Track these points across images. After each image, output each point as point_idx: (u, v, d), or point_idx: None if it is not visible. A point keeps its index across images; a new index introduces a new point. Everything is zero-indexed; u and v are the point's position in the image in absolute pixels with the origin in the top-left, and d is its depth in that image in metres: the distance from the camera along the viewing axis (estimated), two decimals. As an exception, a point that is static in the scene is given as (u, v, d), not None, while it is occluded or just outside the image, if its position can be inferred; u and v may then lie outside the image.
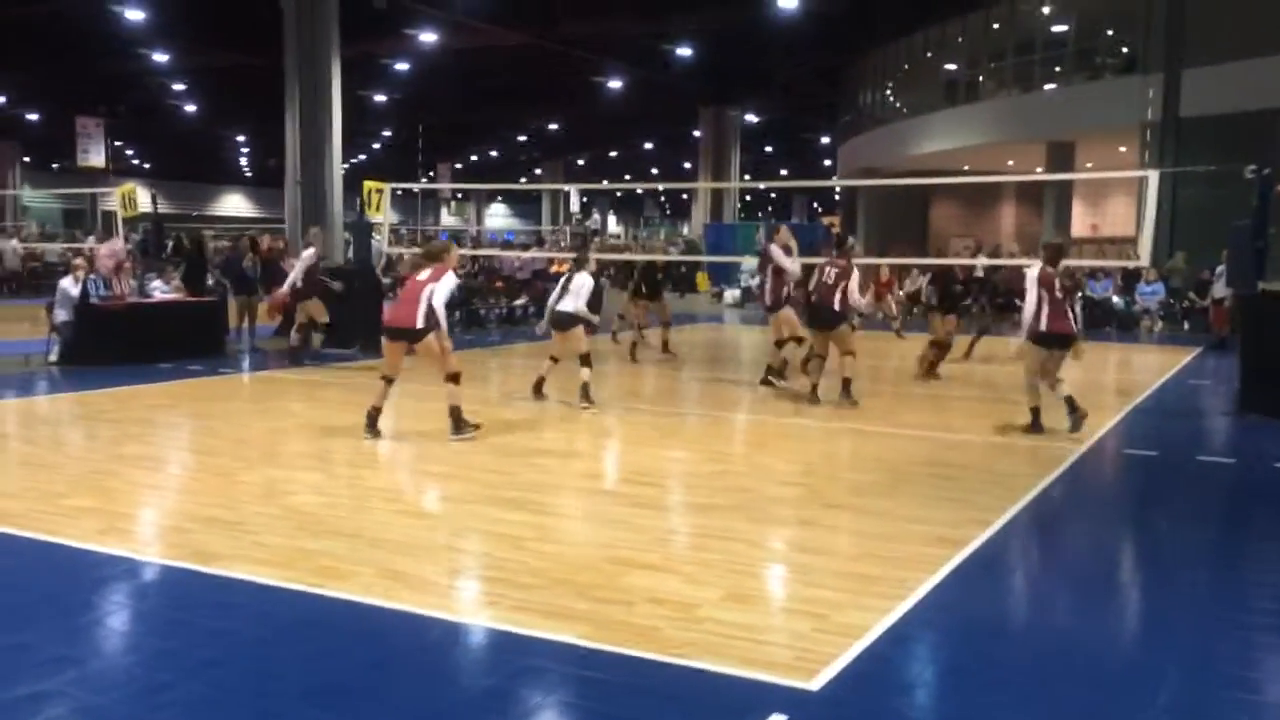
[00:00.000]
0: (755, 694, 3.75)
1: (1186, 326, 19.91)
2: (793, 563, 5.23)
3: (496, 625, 4.37)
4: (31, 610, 4.53)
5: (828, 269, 10.27)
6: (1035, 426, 8.85)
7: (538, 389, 10.36)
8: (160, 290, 13.56)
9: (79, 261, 13.23)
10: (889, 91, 33.21)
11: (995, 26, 27.20)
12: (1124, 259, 21.40)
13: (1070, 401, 8.76)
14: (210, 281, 15.40)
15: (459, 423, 8.23)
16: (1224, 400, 11.27)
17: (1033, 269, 8.94)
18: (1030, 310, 8.72)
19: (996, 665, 4.13)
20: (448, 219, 61.66)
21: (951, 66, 29.21)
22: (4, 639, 4.16)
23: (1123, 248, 25.82)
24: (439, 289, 8.04)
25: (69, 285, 12.42)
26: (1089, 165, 27.36)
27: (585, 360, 9.93)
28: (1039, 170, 27.81)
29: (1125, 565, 5.77)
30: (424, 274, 8.19)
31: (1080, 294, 9.92)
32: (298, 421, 9.18)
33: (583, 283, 9.88)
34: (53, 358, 12.33)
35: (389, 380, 8.32)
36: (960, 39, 28.47)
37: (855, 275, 10.24)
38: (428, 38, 26.05)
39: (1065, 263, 9.07)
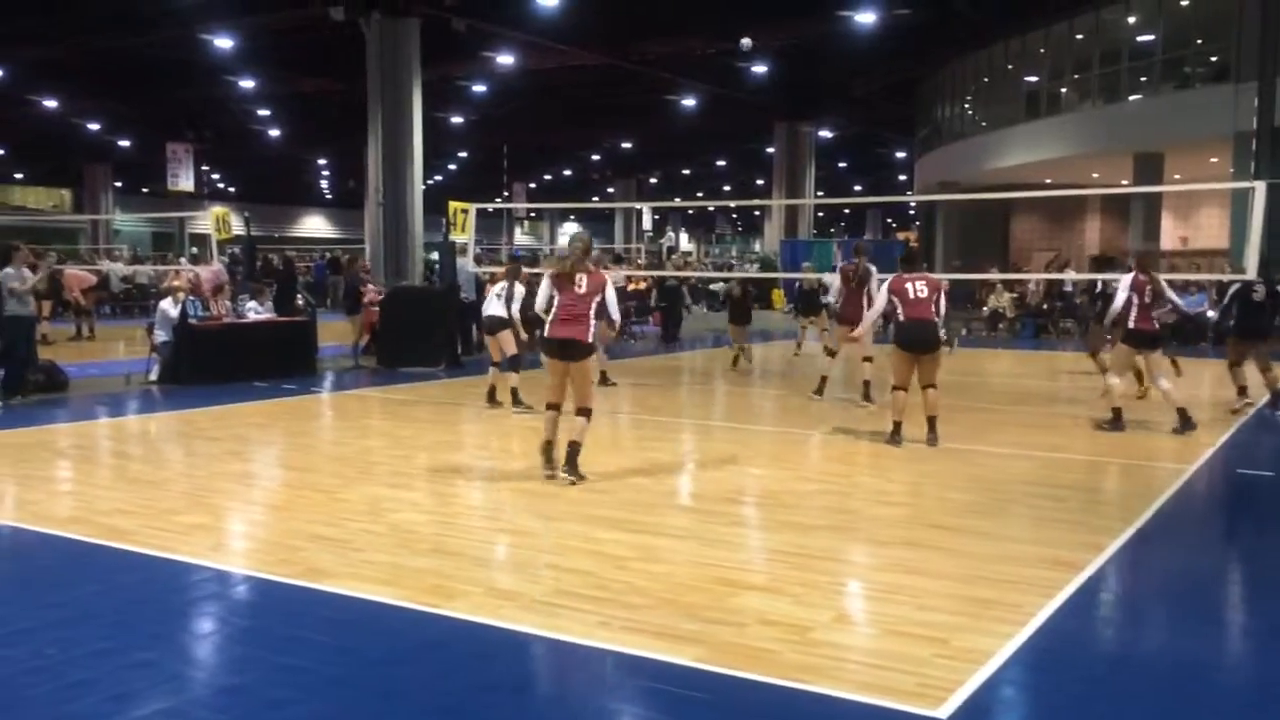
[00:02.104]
0: (883, 721, 3.67)
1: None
2: (904, 585, 5.12)
3: (609, 646, 4.34)
4: (153, 627, 4.62)
5: (914, 284, 9.09)
6: (1115, 424, 9.69)
7: (491, 397, 10.93)
8: (254, 311, 13.88)
9: (178, 283, 13.59)
10: (968, 104, 32.75)
11: (1079, 37, 26.67)
12: (1216, 272, 20.78)
13: (1182, 413, 9.50)
14: (299, 301, 15.72)
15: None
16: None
17: (1128, 275, 9.69)
18: (1118, 310, 9.57)
19: (1127, 696, 3.98)
20: (521, 238, 62.26)
21: (1033, 78, 28.69)
22: (129, 656, 4.24)
23: (1214, 260, 25.08)
24: (610, 300, 7.47)
25: (168, 306, 12.77)
26: (1177, 177, 26.65)
27: (512, 364, 10.57)
28: (1125, 182, 27.17)
29: (1249, 590, 5.55)
30: (582, 284, 7.39)
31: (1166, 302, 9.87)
32: (391, 439, 9.29)
33: (517, 292, 10.41)
34: (153, 377, 12.67)
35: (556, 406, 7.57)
36: (1042, 50, 27.96)
37: (943, 292, 9.53)
38: (504, 59, 26.38)
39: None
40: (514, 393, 10.61)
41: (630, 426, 10.44)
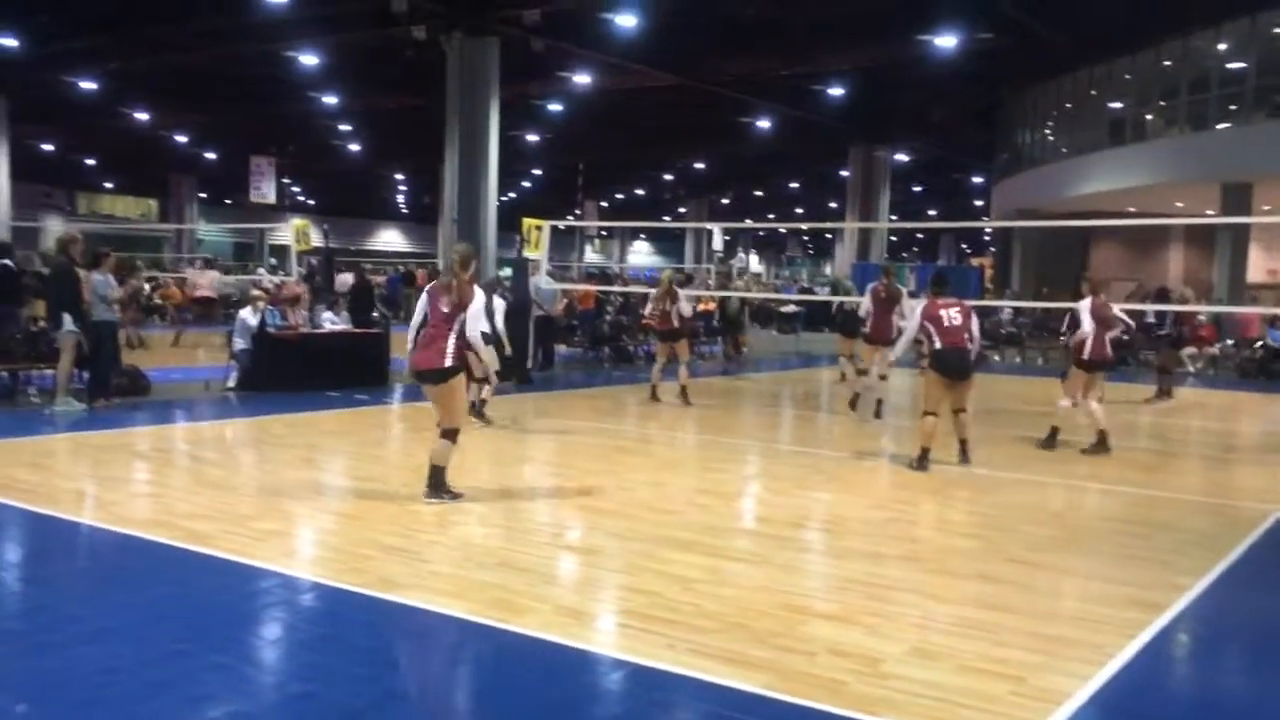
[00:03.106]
0: (957, 759, 3.57)
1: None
2: (979, 620, 5.00)
3: (676, 669, 4.29)
4: (228, 630, 4.69)
5: (948, 311, 9.03)
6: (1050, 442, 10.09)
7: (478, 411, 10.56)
8: (330, 321, 14.12)
9: (258, 293, 13.89)
10: (1049, 130, 32.22)
11: (1166, 63, 26.10)
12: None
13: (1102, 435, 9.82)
14: (375, 314, 15.97)
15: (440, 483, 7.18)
16: None
17: (1086, 300, 10.00)
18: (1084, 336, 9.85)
19: (1217, 744, 3.83)
20: (591, 256, 62.66)
21: (1117, 105, 28.14)
22: (205, 659, 4.30)
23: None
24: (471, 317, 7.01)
25: (248, 315, 13.06)
26: (1266, 208, 25.89)
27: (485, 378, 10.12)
28: (1210, 212, 26.45)
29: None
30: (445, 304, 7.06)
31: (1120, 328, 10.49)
32: (459, 451, 9.33)
33: (497, 306, 10.23)
34: (231, 384, 12.95)
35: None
36: (1128, 76, 27.42)
37: (974, 317, 9.39)
38: (580, 79, 26.60)
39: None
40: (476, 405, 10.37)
41: (695, 448, 10.39)
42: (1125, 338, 20.84)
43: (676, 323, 12.70)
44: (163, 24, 22.67)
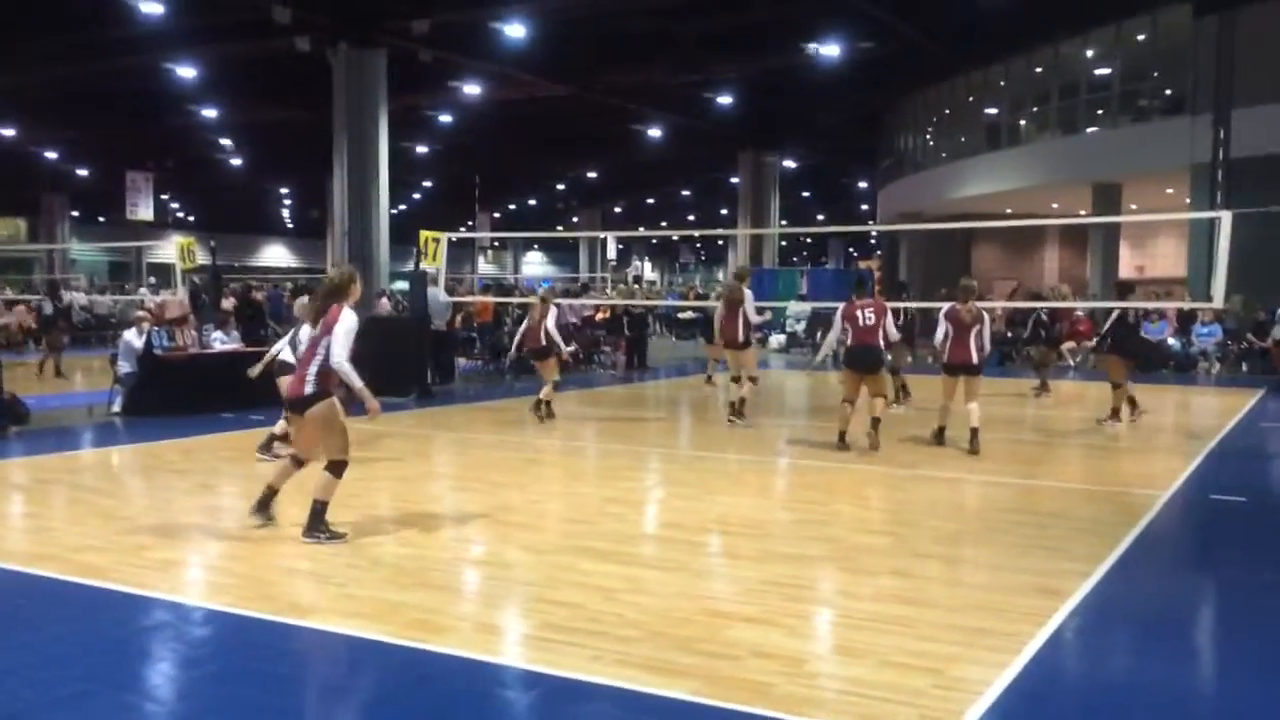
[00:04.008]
0: (887, 754, 3.63)
1: (1245, 368, 19.57)
2: (894, 615, 5.10)
3: (604, 680, 4.27)
4: (134, 667, 4.50)
5: (863, 311, 10.13)
6: (938, 438, 10.35)
7: (272, 444, 9.44)
8: (220, 341, 13.68)
9: (142, 313, 13.38)
10: (929, 136, 33.24)
11: (1038, 70, 27.20)
12: (1174, 300, 21.16)
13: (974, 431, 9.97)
14: (263, 331, 15.52)
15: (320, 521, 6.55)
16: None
17: (945, 306, 10.36)
18: (939, 341, 10.28)
19: (1129, 723, 3.97)
20: (485, 267, 62.13)
21: (993, 110, 29.20)
22: (111, 698, 4.11)
23: (1170, 289, 25.53)
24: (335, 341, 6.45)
25: (133, 337, 12.56)
26: (1134, 207, 27.18)
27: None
28: (1083, 212, 27.64)
29: (1238, 616, 5.57)
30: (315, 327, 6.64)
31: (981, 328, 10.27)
32: (364, 470, 9.13)
33: (307, 334, 8.93)
34: (116, 408, 12.43)
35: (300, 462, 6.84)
36: (1002, 83, 28.48)
37: (889, 315, 10.41)
38: (471, 89, 26.40)
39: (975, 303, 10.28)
40: (273, 439, 9.45)
41: (602, 457, 10.39)
42: (1007, 334, 21.70)
43: (544, 341, 12.25)
44: (32, 37, 21.70)
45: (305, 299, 9.95)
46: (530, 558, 6.20)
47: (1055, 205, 29.93)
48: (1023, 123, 28.22)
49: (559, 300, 15.93)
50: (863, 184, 45.82)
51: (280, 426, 9.20)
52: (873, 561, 6.11)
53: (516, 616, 5.17)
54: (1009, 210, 29.51)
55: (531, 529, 6.90)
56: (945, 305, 10.43)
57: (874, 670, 4.40)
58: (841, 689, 4.19)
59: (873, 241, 57.61)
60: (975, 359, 10.05)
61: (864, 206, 50.29)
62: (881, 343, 10.15)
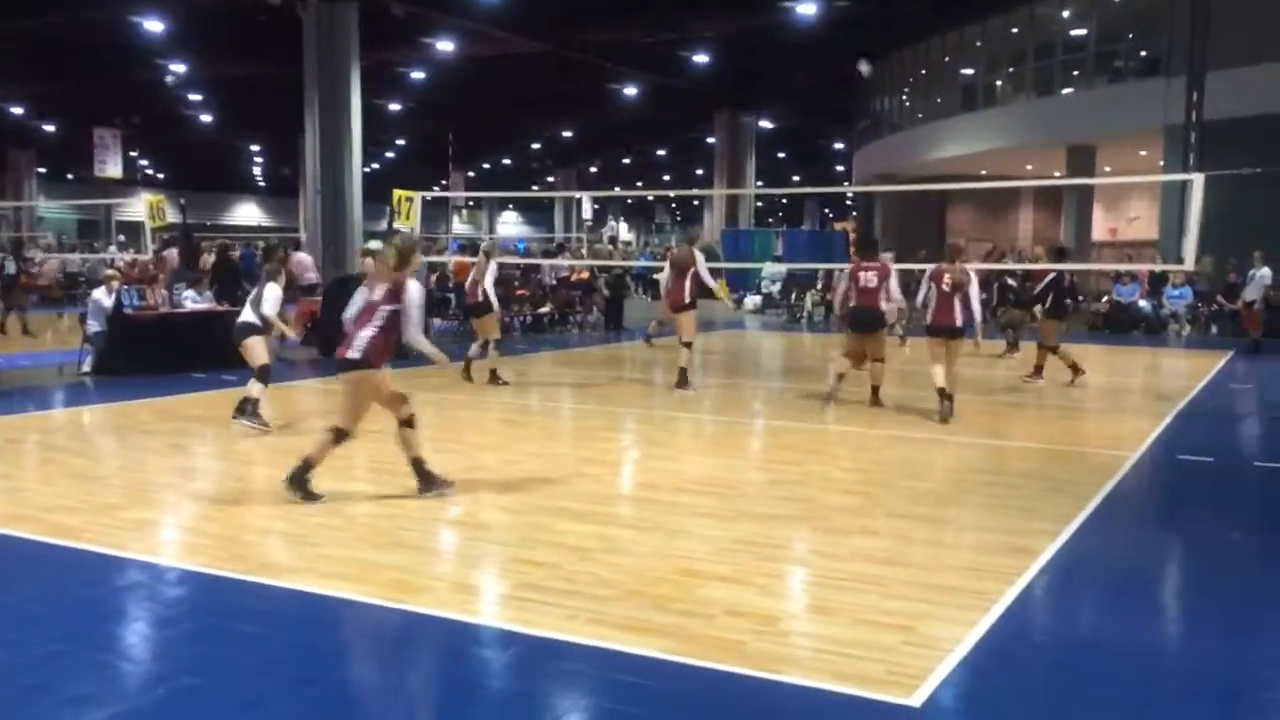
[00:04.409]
0: (858, 711, 3.69)
1: (1214, 330, 19.80)
2: (866, 574, 5.16)
3: (579, 639, 4.30)
4: (107, 627, 4.49)
5: (866, 273, 10.25)
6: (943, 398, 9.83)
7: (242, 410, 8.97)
8: (192, 300, 13.54)
9: (111, 272, 13.21)
10: (906, 96, 33.15)
11: (1014, 31, 27.13)
12: (1147, 263, 21.33)
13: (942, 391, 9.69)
14: (240, 291, 15.36)
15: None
16: (1269, 405, 11.18)
17: (930, 268, 10.18)
18: (920, 302, 10.12)
19: (1096, 680, 4.05)
20: (460, 227, 61.67)
21: (969, 71, 29.14)
22: (85, 657, 4.11)
23: (1142, 251, 25.73)
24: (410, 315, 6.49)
25: (102, 296, 12.41)
26: (1108, 169, 27.28)
27: (261, 375, 8.96)
28: (1058, 174, 27.72)
29: (1204, 574, 5.68)
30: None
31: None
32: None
33: (272, 294, 8.98)
34: (86, 368, 12.31)
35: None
36: (979, 43, 28.41)
37: (894, 277, 10.40)
38: (444, 46, 26.04)
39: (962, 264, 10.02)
40: (249, 403, 8.97)
41: (578, 417, 10.40)
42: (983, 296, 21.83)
43: (480, 298, 11.86)
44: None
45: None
46: (507, 518, 6.22)
47: (1030, 167, 29.99)
48: (999, 84, 28.20)
49: (542, 260, 15.76)
50: (839, 145, 45.68)
51: (255, 389, 9.08)
52: (845, 521, 6.17)
53: (493, 576, 5.19)
54: (984, 171, 29.56)
55: (508, 489, 6.91)
56: (930, 267, 10.35)
57: (846, 628, 4.45)
58: (814, 647, 4.25)
59: (849, 203, 57.66)
60: (959, 321, 9.82)
61: (840, 168, 50.21)
62: (884, 304, 10.19)
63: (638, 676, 3.96)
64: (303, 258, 19.24)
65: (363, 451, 8.13)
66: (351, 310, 6.57)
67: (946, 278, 9.72)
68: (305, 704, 3.72)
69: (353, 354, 6.36)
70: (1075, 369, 12.09)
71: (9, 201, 43.33)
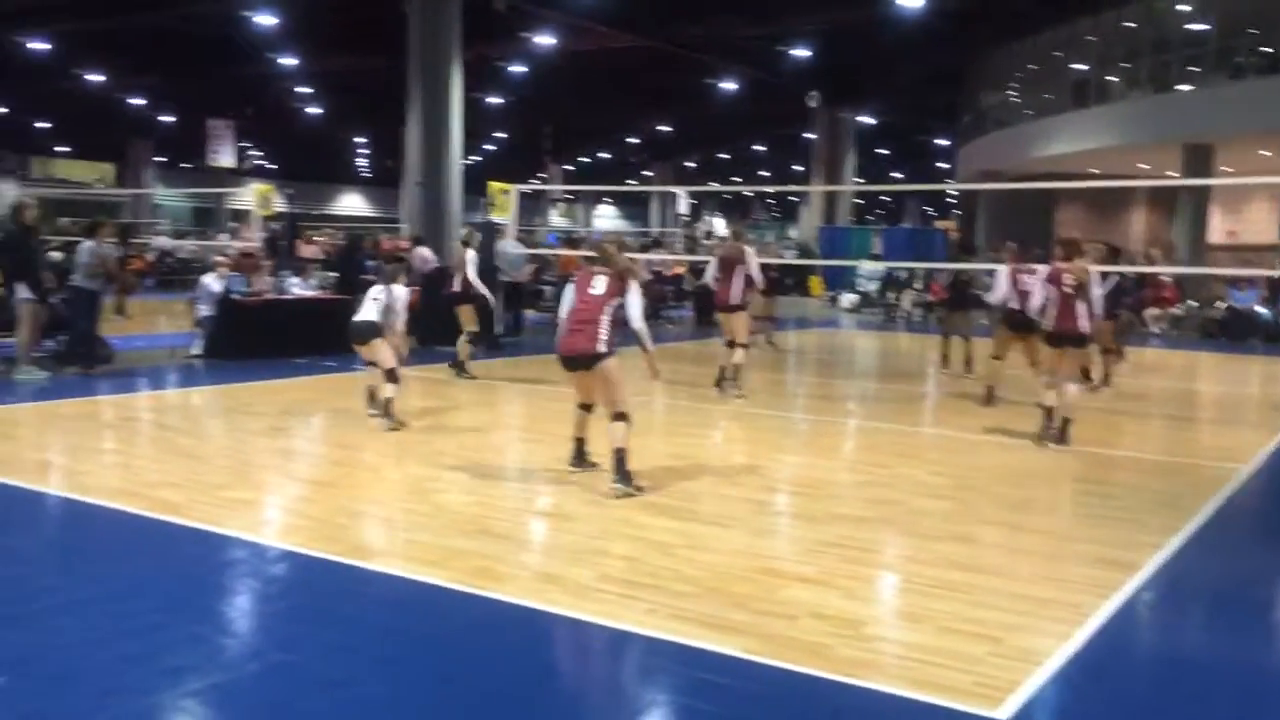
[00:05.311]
0: (942, 720, 3.61)
1: (1337, 339, 18.87)
2: (954, 581, 5.04)
3: (658, 634, 4.29)
4: (205, 601, 4.64)
5: (1064, 276, 8.48)
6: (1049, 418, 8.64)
7: (372, 398, 8.96)
8: (297, 287, 13.93)
9: (221, 258, 13.67)
10: (1013, 92, 32.31)
11: (1129, 25, 26.20)
12: (1266, 267, 20.41)
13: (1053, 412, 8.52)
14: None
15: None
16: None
17: (1042, 268, 9.02)
18: (1036, 307, 8.92)
19: (1196, 700, 3.89)
20: (556, 220, 62.25)
21: (1081, 66, 28.24)
22: (182, 630, 4.25)
23: (1262, 256, 24.63)
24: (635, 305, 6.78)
25: (211, 281, 12.85)
26: (1226, 169, 26.18)
27: (391, 376, 8.68)
28: (1172, 174, 26.70)
29: (1310, 595, 5.42)
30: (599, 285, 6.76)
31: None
32: (432, 418, 9.28)
33: (403, 298, 8.89)
34: (195, 351, 12.76)
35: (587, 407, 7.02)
36: (1091, 37, 27.51)
37: (1096, 281, 8.81)
38: (543, 40, 26.27)
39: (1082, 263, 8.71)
40: (386, 403, 8.71)
41: (665, 412, 10.39)
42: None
43: (458, 286, 11.47)
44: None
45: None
46: (592, 510, 6.25)
47: (1143, 166, 28.94)
48: (1111, 79, 27.26)
49: (635, 255, 15.61)
50: (942, 141, 44.75)
51: (390, 390, 8.70)
52: (935, 526, 6.04)
53: (575, 567, 5.21)
54: (1094, 170, 28.62)
55: (593, 482, 6.93)
56: (1043, 268, 9.11)
57: (932, 636, 4.36)
58: (898, 653, 4.17)
59: (951, 201, 56.48)
60: (1084, 327, 8.42)
61: (944, 165, 49.18)
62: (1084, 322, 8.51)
63: (717, 675, 3.94)
64: (424, 251, 19.68)
65: (453, 441, 8.27)
66: (567, 305, 6.80)
67: (1067, 277, 8.46)
68: (388, 685, 3.79)
69: (601, 347, 6.59)
70: (1085, 374, 11.39)
71: (128, 189, 45.21)
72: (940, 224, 49.89)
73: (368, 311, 8.77)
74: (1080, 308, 8.40)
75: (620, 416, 6.64)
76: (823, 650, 4.16)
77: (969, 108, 35.50)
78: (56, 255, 15.78)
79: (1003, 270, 10.36)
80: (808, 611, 4.59)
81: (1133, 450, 8.76)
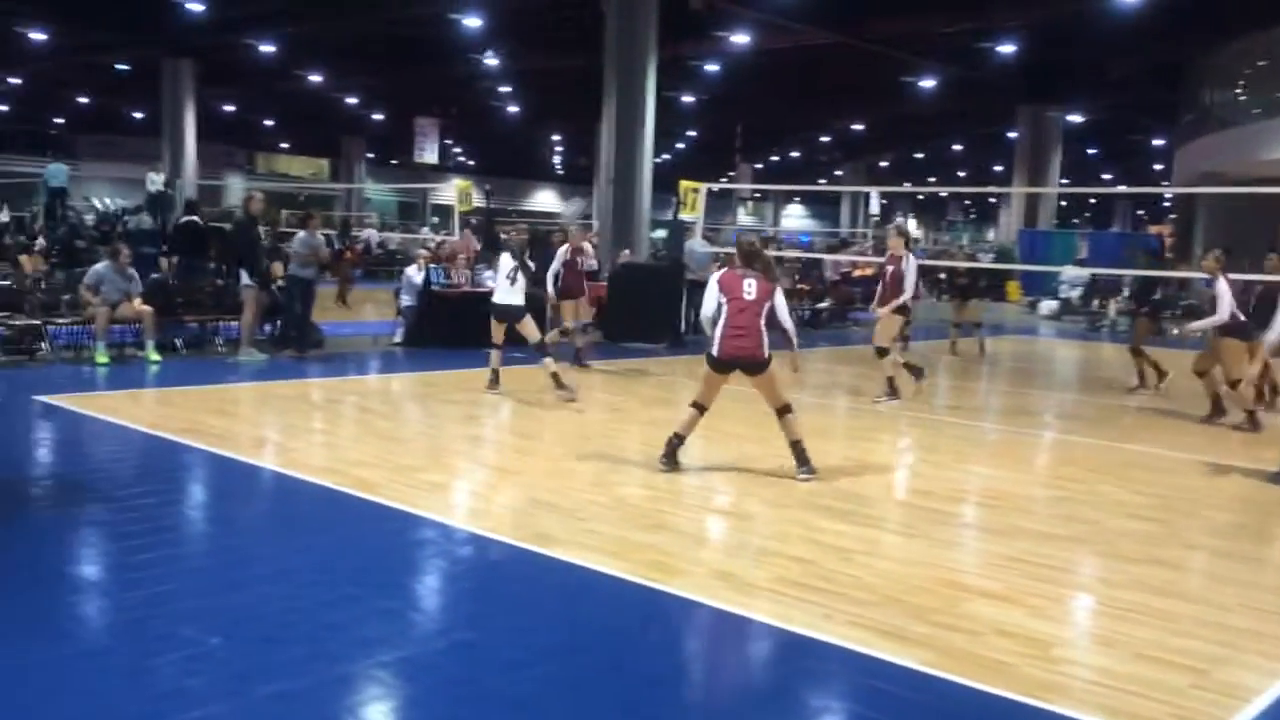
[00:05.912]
0: (1132, 752, 3.42)
1: None
2: (1153, 606, 4.75)
3: (834, 640, 4.24)
4: (396, 577, 4.89)
5: None
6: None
7: (494, 382, 10.03)
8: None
9: (423, 251, 14.34)
10: (1239, 89, 30.06)
11: (1378, 14, 23.91)
12: None
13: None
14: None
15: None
16: None
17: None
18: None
19: None
20: (744, 218, 62.17)
21: (1319, 60, 26.00)
22: (375, 603, 4.49)
23: None
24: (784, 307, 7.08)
25: (414, 273, 13.50)
26: None
27: (541, 347, 9.79)
28: None
29: None
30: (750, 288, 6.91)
31: None
32: (615, 413, 9.47)
33: (508, 265, 9.78)
34: (397, 339, 13.44)
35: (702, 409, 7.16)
36: (1332, 30, 25.27)
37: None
38: (738, 39, 26.24)
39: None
40: (555, 377, 9.61)
41: (847, 415, 10.22)
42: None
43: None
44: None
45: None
46: (769, 510, 6.22)
47: (1389, 169, 26.39)
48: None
49: (824, 255, 15.50)
50: (1158, 141, 42.09)
51: (550, 363, 9.70)
52: (1133, 548, 5.71)
53: (750, 567, 5.20)
54: (1331, 174, 26.30)
55: (772, 482, 6.90)
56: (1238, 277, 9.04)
57: (1126, 663, 4.13)
58: (1089, 679, 3.97)
59: (1166, 204, 53.08)
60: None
61: (1158, 166, 46.27)
62: None
63: (892, 685, 3.86)
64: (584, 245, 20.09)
65: (636, 436, 8.40)
66: (712, 304, 6.96)
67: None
68: (564, 669, 3.89)
69: (765, 353, 6.87)
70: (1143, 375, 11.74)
71: (341, 184, 48.03)
72: (1154, 229, 46.99)
73: (512, 295, 9.79)
74: None
75: (787, 409, 6.97)
76: (1006, 669, 4.00)
77: (1190, 106, 33.24)
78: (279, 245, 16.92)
79: (1224, 287, 9.54)
80: (991, 628, 4.43)
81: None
